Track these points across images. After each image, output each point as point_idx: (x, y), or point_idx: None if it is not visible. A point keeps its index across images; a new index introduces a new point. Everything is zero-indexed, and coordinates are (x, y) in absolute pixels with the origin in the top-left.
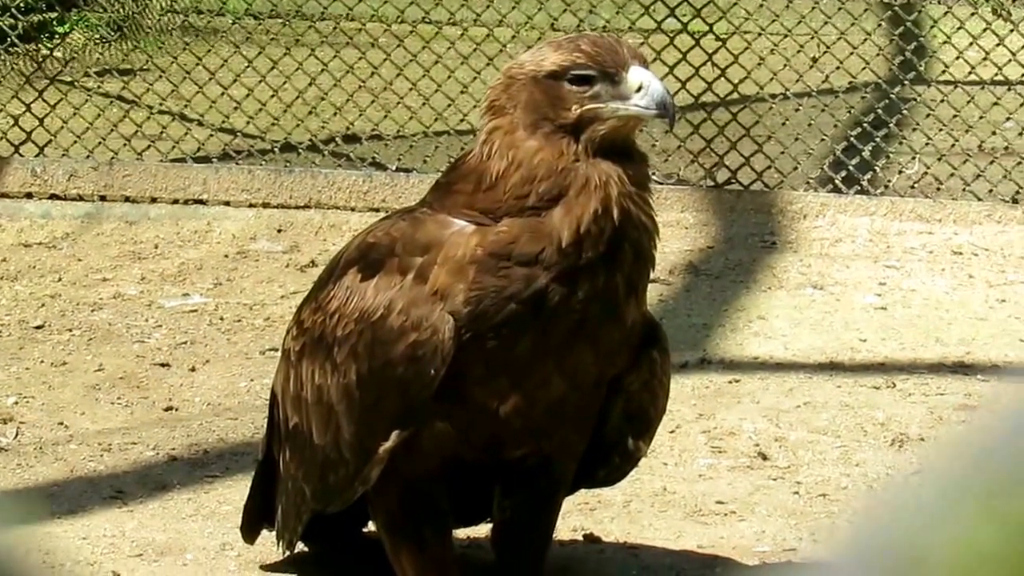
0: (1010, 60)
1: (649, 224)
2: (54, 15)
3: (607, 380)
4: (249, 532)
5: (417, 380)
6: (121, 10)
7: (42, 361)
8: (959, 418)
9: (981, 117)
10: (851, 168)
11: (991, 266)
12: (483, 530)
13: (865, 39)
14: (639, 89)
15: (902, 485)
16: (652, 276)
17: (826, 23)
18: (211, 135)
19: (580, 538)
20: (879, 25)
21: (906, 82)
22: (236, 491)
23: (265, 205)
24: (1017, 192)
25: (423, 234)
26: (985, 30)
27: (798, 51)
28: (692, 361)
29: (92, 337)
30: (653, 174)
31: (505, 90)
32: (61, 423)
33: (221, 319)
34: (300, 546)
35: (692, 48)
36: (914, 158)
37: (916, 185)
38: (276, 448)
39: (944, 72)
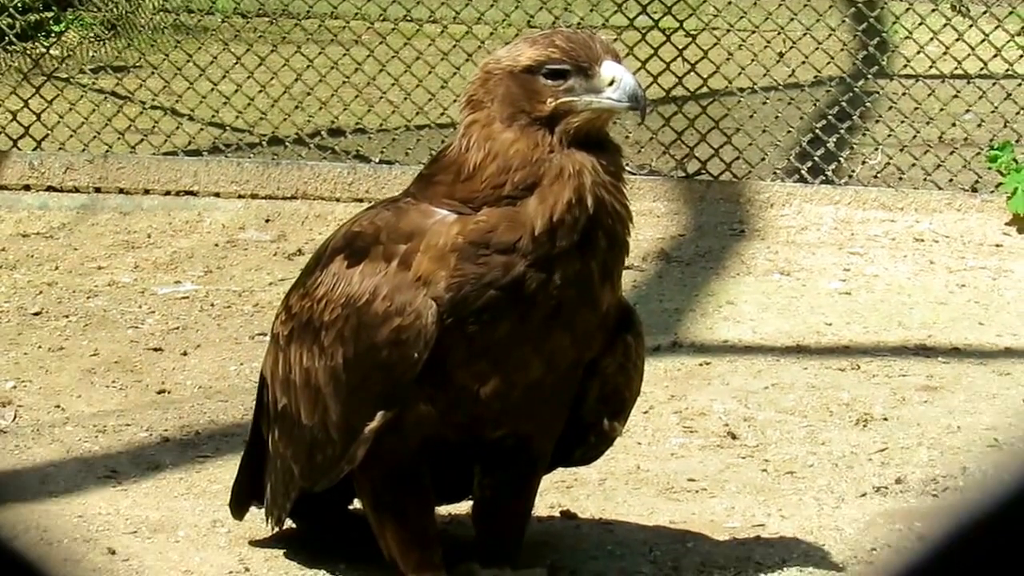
0: (969, 55)
1: (623, 212)
2: (51, 14)
3: (583, 363)
4: (238, 509)
5: (401, 363)
6: (115, 9)
7: (39, 346)
8: (921, 398)
9: (941, 109)
10: (816, 159)
11: (951, 252)
12: (464, 507)
13: (829, 35)
14: (612, 83)
15: None
16: (626, 263)
17: (792, 19)
18: (201, 129)
19: (557, 514)
20: (843, 21)
21: (869, 76)
22: (226, 471)
23: (253, 196)
24: (976, 181)
25: (406, 223)
26: (945, 26)
27: (765, 46)
28: (664, 344)
29: (88, 323)
30: (626, 165)
31: (483, 85)
32: (58, 406)
33: (212, 305)
34: (288, 523)
35: (663, 44)
36: (877, 149)
37: (879, 175)
38: (265, 429)
39: (906, 66)
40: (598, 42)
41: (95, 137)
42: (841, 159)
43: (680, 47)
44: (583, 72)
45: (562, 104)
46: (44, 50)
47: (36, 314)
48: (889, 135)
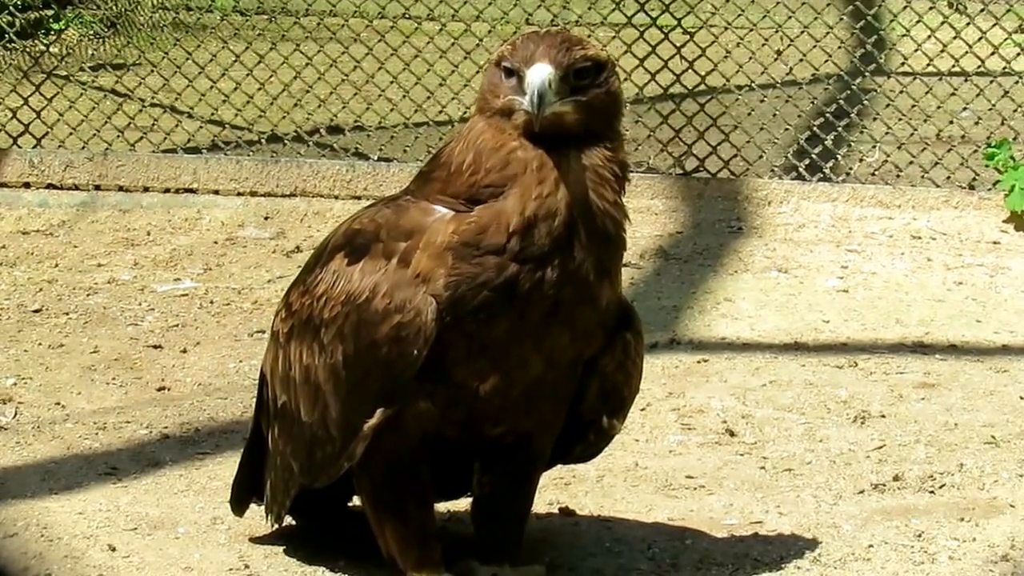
0: (966, 52)
1: (609, 208)
2: (50, 12)
3: (583, 361)
4: (238, 506)
5: (401, 360)
6: (114, 7)
7: (40, 343)
8: (918, 395)
9: (939, 107)
10: (814, 156)
11: (949, 250)
12: (463, 504)
13: (827, 32)
14: (529, 86)
15: None
16: (624, 260)
17: (790, 17)
18: (201, 127)
19: (556, 511)
20: (841, 19)
21: (867, 73)
22: (226, 467)
23: (252, 194)
24: (973, 179)
25: (406, 220)
26: (943, 23)
27: (763, 44)
28: (662, 342)
29: (88, 320)
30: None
31: (484, 77)
32: (58, 403)
33: (211, 303)
34: (288, 519)
35: (661, 42)
36: (874, 146)
37: (876, 172)
38: (265, 426)
39: (903, 64)
40: (544, 45)
41: (95, 135)
42: (839, 157)
43: (678, 45)
44: (518, 73)
45: (507, 102)
46: (44, 48)
47: (36, 311)
48: (886, 133)
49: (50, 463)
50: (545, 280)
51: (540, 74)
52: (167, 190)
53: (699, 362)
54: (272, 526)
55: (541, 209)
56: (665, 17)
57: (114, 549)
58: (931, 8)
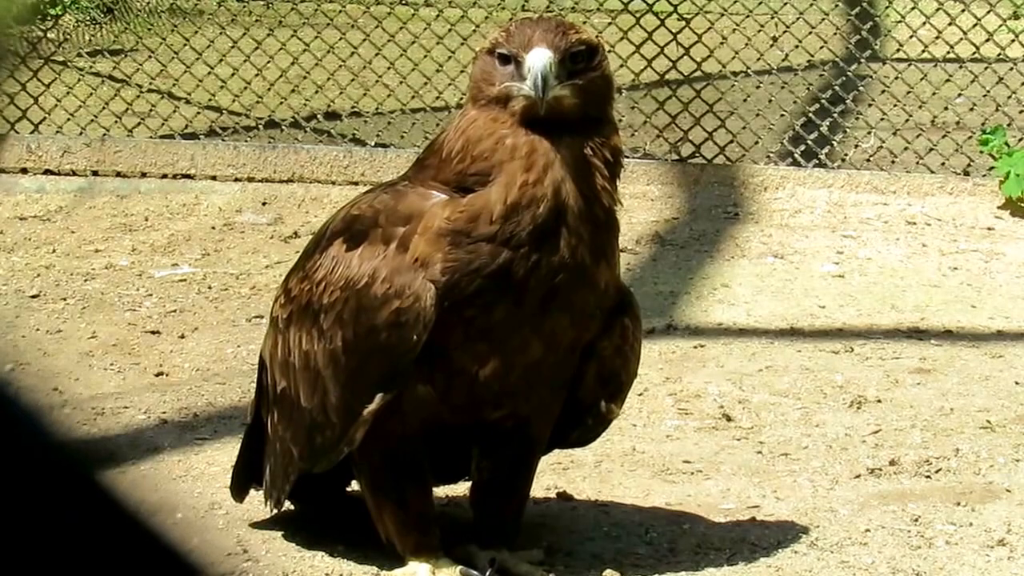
0: (961, 39)
1: (599, 193)
2: None
3: (582, 345)
4: (238, 492)
5: (400, 345)
6: None
7: (37, 329)
8: (914, 381)
9: (934, 93)
10: (810, 142)
11: (943, 235)
12: (461, 489)
13: (823, 19)
14: (529, 70)
15: None
16: (620, 244)
17: (785, 4)
18: (198, 112)
19: (554, 496)
20: (836, 5)
21: (862, 60)
22: (224, 453)
23: (250, 179)
24: (968, 165)
25: (405, 205)
26: (937, 10)
27: (759, 30)
28: (659, 327)
29: (86, 306)
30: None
31: (474, 66)
32: (56, 389)
33: (209, 288)
34: (287, 505)
35: (657, 28)
36: (870, 132)
37: (872, 158)
38: (264, 412)
39: (898, 50)
40: (540, 30)
41: (92, 120)
42: (834, 143)
43: (674, 31)
44: (515, 59)
45: (504, 89)
46: (41, 34)
47: (34, 297)
48: (882, 119)
49: None
50: (540, 266)
51: (542, 58)
52: (165, 176)
53: (696, 347)
54: (271, 511)
55: (525, 196)
56: (661, 3)
57: None
58: None
